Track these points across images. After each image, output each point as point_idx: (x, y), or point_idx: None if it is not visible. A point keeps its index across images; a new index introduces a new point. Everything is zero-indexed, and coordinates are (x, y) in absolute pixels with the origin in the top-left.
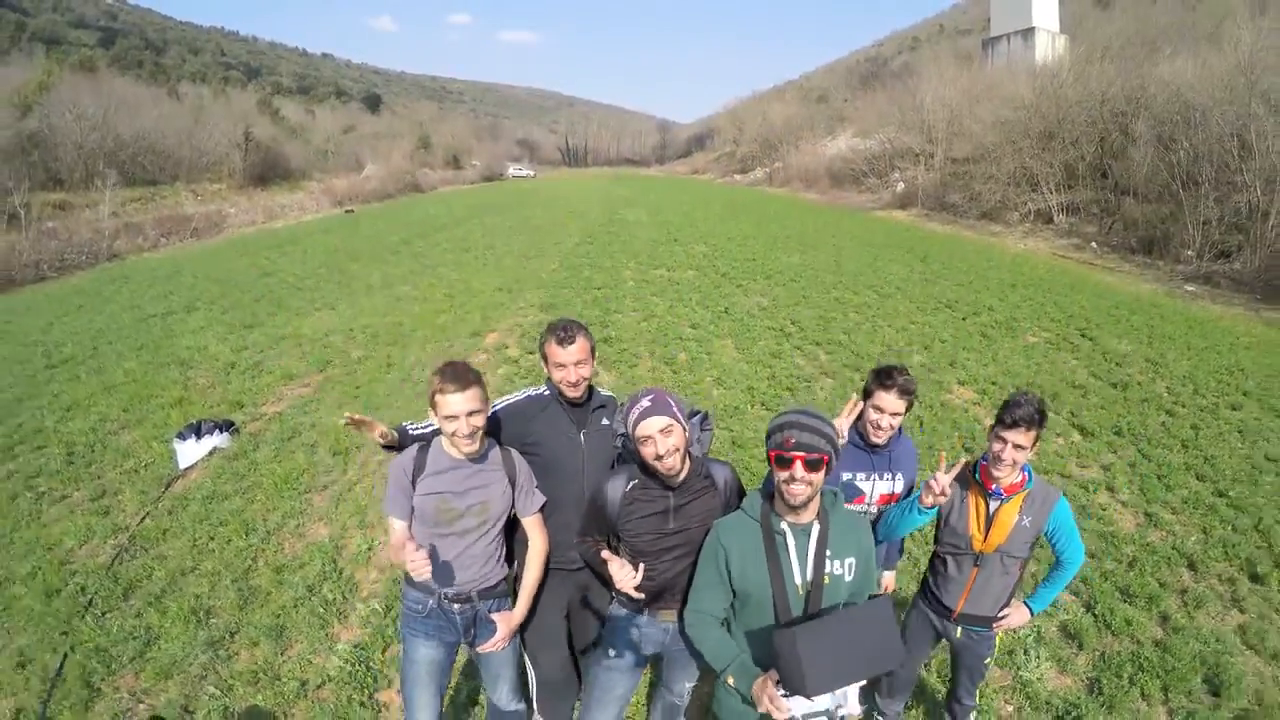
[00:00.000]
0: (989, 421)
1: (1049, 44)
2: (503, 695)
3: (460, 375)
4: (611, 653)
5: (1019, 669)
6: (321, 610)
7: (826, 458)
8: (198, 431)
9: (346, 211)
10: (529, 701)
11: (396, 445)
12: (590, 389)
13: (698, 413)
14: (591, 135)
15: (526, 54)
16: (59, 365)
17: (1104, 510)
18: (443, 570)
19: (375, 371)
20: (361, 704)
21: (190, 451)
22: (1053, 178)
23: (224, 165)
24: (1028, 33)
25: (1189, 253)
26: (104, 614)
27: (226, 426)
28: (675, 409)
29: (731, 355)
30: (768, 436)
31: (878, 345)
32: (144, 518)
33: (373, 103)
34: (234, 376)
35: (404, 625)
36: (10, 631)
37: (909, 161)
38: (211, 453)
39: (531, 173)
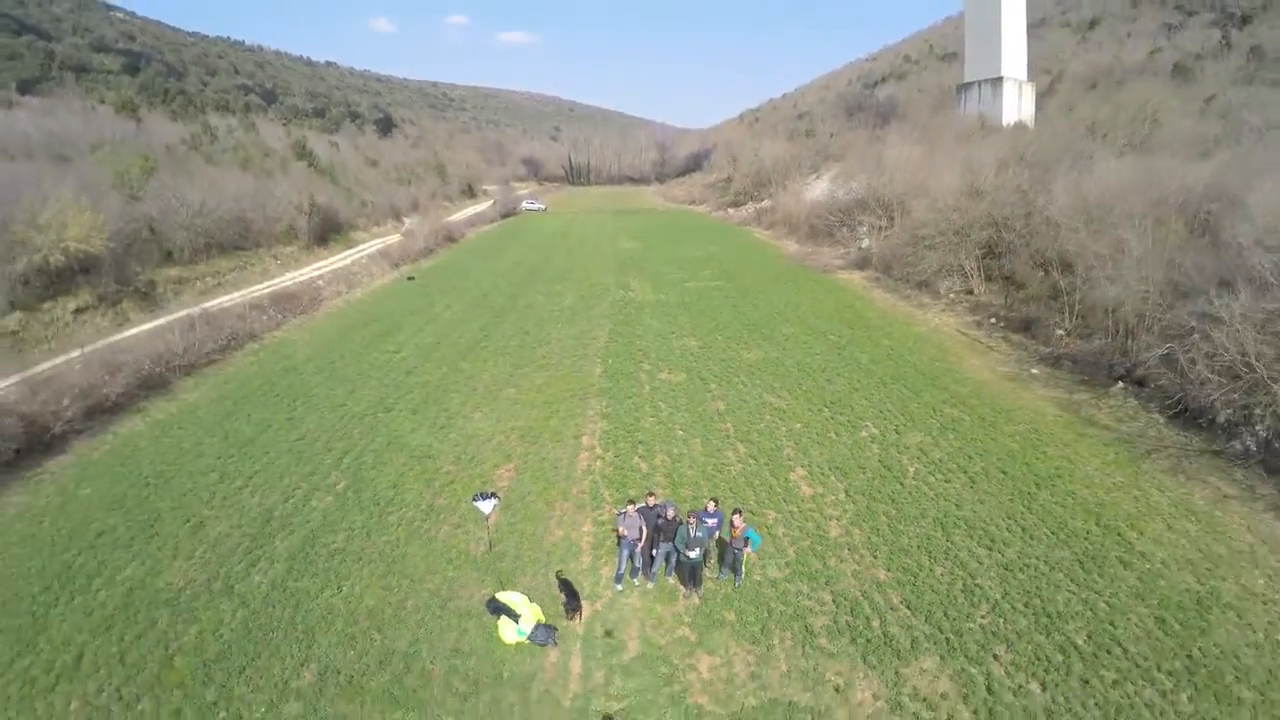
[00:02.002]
0: (805, 488)
1: (1016, 93)
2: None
3: (632, 502)
4: (661, 549)
5: (765, 570)
6: (575, 552)
7: (696, 518)
8: (483, 496)
9: (409, 279)
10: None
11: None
12: (658, 503)
13: (673, 506)
14: (594, 154)
15: (525, 56)
16: (343, 456)
17: (827, 526)
18: (629, 535)
19: (538, 463)
20: (598, 571)
21: (485, 506)
22: (971, 258)
23: (293, 229)
24: (996, 82)
25: (1060, 332)
26: (498, 565)
27: (494, 495)
28: (671, 508)
29: (699, 450)
30: (689, 513)
31: (771, 442)
32: (488, 532)
33: (385, 125)
34: (464, 465)
35: (620, 545)
36: (465, 578)
37: (870, 228)
38: (494, 507)
39: (543, 206)
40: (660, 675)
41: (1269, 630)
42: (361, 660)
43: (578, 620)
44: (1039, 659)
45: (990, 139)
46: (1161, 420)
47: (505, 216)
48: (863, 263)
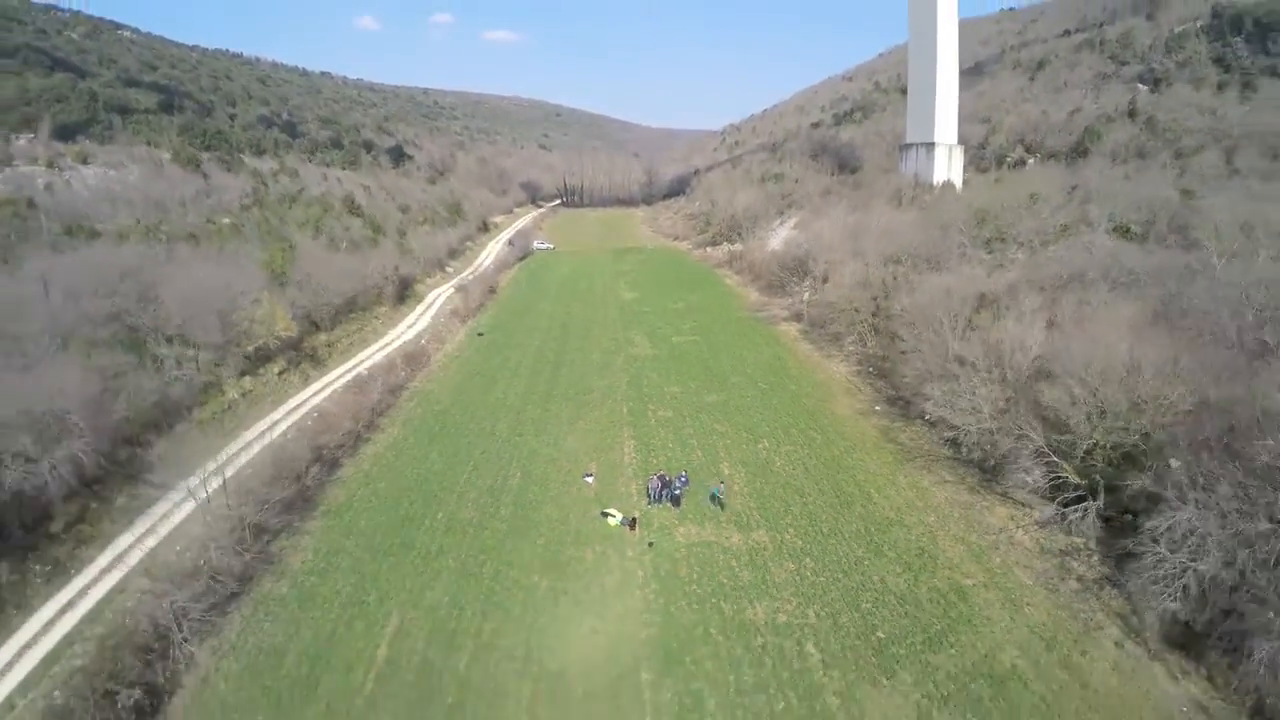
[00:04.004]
0: (726, 470)
1: (946, 156)
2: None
3: (653, 474)
4: (664, 492)
5: (706, 503)
6: (630, 495)
7: (676, 478)
8: (588, 475)
9: (479, 335)
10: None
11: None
12: (663, 473)
13: (669, 474)
14: (587, 177)
15: (509, 54)
16: (511, 462)
17: (733, 486)
18: (652, 486)
19: (607, 461)
20: (640, 502)
21: (590, 480)
22: (862, 324)
23: (381, 293)
24: (930, 146)
25: (907, 379)
26: (601, 501)
27: (591, 475)
28: (669, 475)
29: (679, 454)
30: (675, 476)
31: (712, 450)
32: (594, 490)
33: (397, 155)
34: (574, 463)
35: (649, 490)
36: (589, 505)
37: (807, 288)
38: (593, 480)
39: (552, 245)
40: (664, 533)
41: (919, 534)
42: (561, 535)
43: (637, 526)
44: (806, 533)
45: (900, 217)
46: (938, 441)
47: (522, 259)
48: (799, 316)
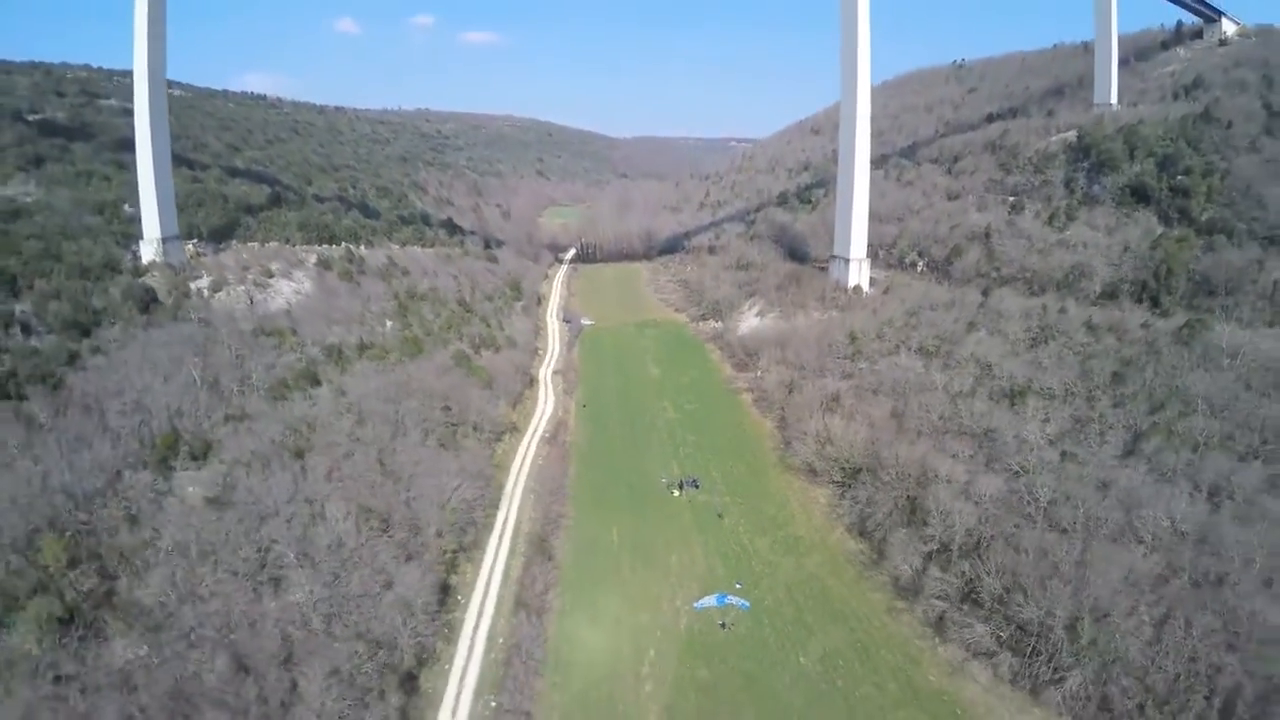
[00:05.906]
0: (714, 474)
1: (858, 268)
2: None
3: (685, 476)
4: (688, 484)
5: (709, 486)
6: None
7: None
8: (663, 478)
9: (583, 405)
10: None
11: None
12: (689, 475)
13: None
14: (598, 237)
15: (490, 55)
16: (635, 475)
17: (716, 482)
18: (686, 481)
19: (669, 472)
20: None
21: (664, 481)
22: (778, 401)
23: (524, 381)
24: (847, 260)
25: (789, 434)
26: (666, 490)
27: (665, 478)
28: (693, 478)
29: (693, 468)
30: (690, 477)
31: (705, 468)
32: (665, 482)
33: (451, 228)
34: (654, 472)
35: (683, 483)
36: (665, 489)
37: (760, 367)
38: (666, 480)
39: (592, 321)
40: (693, 496)
41: (782, 497)
42: (657, 500)
43: (683, 493)
44: (739, 495)
45: (820, 318)
46: (798, 462)
47: (577, 335)
48: (752, 390)
